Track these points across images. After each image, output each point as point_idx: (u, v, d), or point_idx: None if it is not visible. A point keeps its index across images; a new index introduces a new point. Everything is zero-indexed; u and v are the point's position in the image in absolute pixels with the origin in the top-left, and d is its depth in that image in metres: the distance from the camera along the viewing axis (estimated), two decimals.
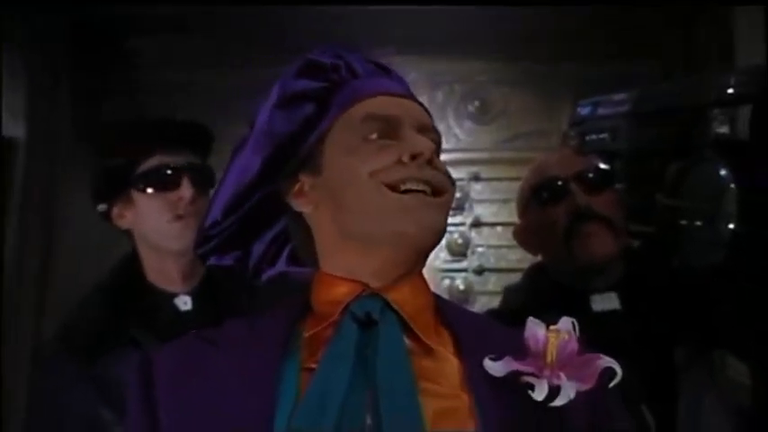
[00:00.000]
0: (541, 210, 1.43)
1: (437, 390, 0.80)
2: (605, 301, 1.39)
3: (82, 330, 1.35)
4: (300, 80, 0.90)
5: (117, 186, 1.39)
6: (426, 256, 0.88)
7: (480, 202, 3.46)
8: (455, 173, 3.52)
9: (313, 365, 0.80)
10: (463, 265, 3.19)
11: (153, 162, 1.38)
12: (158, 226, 1.37)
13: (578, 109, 1.55)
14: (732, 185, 1.18)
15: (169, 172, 1.38)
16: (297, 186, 0.90)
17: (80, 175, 2.96)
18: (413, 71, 3.62)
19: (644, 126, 1.40)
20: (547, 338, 0.77)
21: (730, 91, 1.21)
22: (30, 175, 2.65)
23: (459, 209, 3.41)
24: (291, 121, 0.89)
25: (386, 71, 0.95)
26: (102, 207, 1.41)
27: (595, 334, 1.23)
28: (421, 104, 0.92)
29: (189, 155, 1.40)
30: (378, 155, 0.84)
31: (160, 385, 0.84)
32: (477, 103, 3.64)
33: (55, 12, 2.79)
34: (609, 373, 0.77)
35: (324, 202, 0.87)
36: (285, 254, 0.97)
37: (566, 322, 0.78)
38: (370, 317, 0.82)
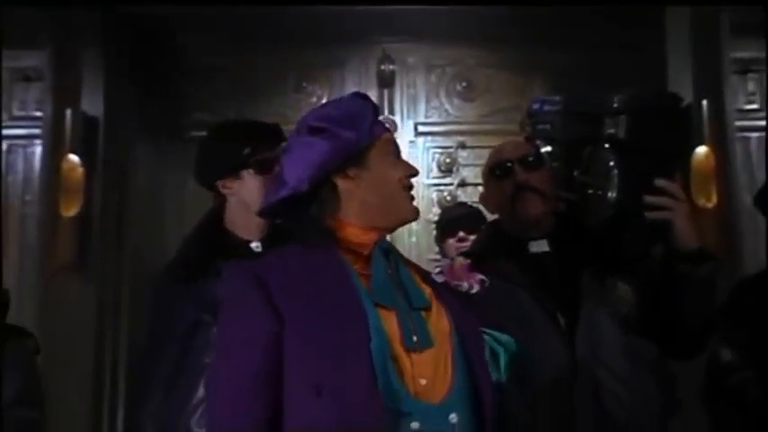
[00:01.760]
0: (496, 183, 1.85)
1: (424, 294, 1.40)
2: (539, 246, 1.82)
3: (183, 263, 1.84)
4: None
5: (232, 167, 1.84)
6: None
7: (466, 166, 3.93)
8: (445, 141, 4.24)
9: (364, 272, 1.36)
10: None
11: (257, 153, 1.83)
12: (257, 196, 1.77)
13: (532, 104, 1.91)
14: (615, 170, 1.66)
15: (267, 159, 1.81)
16: (343, 172, 1.42)
17: (149, 148, 3.47)
18: (411, 57, 4.05)
19: (569, 122, 1.81)
20: (453, 264, 1.42)
21: (615, 105, 1.69)
22: (108, 148, 3.15)
23: (448, 171, 3.88)
24: (355, 137, 1.42)
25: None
26: (218, 182, 1.86)
27: (532, 268, 1.79)
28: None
29: (277, 147, 1.82)
30: (399, 167, 1.43)
31: (271, 285, 1.28)
32: (464, 83, 4.08)
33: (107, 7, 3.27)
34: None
35: (363, 185, 1.41)
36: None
37: (461, 259, 1.44)
38: (388, 249, 1.41)
